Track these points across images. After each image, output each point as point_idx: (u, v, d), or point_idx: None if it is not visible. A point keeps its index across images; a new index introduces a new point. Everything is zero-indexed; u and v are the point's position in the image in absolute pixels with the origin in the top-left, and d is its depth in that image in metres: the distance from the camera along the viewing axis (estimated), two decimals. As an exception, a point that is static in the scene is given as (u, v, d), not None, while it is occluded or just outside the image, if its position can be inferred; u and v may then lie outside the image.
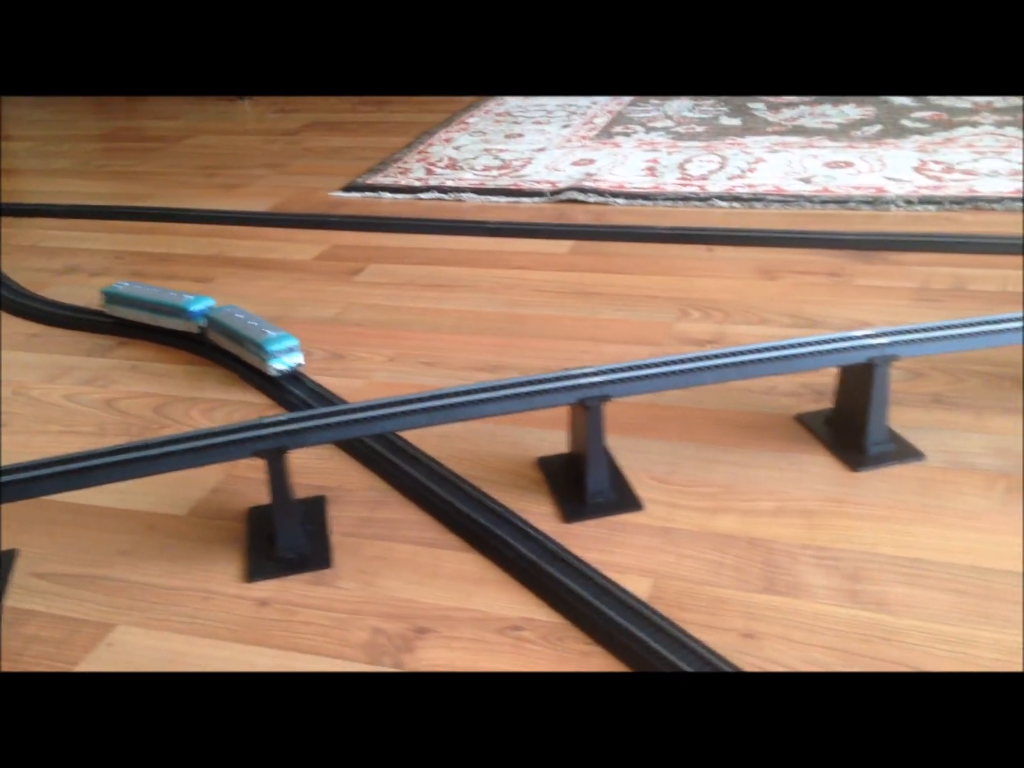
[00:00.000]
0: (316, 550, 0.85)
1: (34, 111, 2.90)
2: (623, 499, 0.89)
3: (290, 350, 1.13)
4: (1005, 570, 0.77)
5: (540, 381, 0.86)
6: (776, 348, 0.89)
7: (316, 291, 1.40)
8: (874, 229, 1.46)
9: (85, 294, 1.43)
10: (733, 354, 0.89)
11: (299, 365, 1.14)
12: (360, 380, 1.14)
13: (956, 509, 0.85)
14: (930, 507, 0.85)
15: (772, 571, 0.79)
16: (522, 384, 0.86)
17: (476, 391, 0.85)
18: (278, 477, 0.82)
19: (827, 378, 1.01)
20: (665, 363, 0.87)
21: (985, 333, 0.92)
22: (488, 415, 0.85)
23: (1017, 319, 0.93)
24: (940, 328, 0.92)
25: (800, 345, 0.90)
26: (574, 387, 0.85)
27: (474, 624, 0.76)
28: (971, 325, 0.93)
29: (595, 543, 0.84)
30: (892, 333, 0.91)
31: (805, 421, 0.99)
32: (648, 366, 0.87)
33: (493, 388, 0.86)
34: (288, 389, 1.11)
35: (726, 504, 0.88)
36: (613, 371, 0.86)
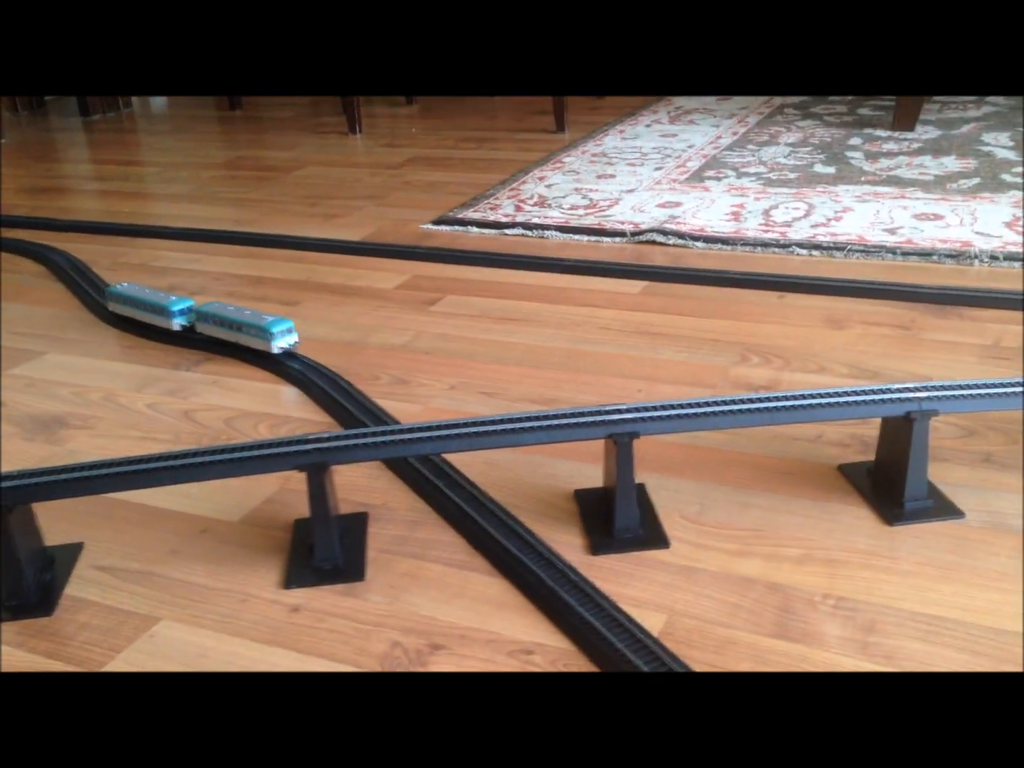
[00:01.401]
0: (352, 563, 0.89)
1: (164, 139, 3.08)
2: (651, 535, 0.90)
3: (289, 331, 1.32)
4: (1026, 634, 0.76)
5: (573, 415, 0.89)
6: (811, 396, 0.90)
7: (392, 318, 1.46)
8: (954, 283, 1.44)
9: (181, 311, 1.53)
10: (767, 399, 0.90)
11: (295, 344, 1.33)
12: (418, 406, 1.19)
13: (986, 569, 0.83)
14: (960, 566, 0.84)
15: (787, 617, 0.80)
16: (556, 417, 0.89)
17: (509, 421, 0.89)
18: (318, 491, 0.87)
19: (876, 430, 1.00)
20: (695, 404, 0.89)
21: (1033, 393, 0.90)
22: (519, 444, 0.89)
23: (1069, 381, 0.91)
24: (985, 386, 0.91)
25: (837, 395, 0.90)
26: (605, 422, 0.88)
27: (487, 645, 0.79)
28: (1019, 385, 0.92)
29: (616, 576, 0.86)
30: (933, 388, 0.90)
31: (847, 472, 0.99)
32: (679, 406, 0.89)
33: (527, 419, 0.89)
34: (349, 410, 1.16)
35: (752, 548, 0.88)
36: (645, 409, 0.89)
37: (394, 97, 3.35)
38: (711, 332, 1.34)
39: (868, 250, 1.58)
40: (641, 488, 0.97)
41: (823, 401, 0.90)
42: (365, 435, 0.89)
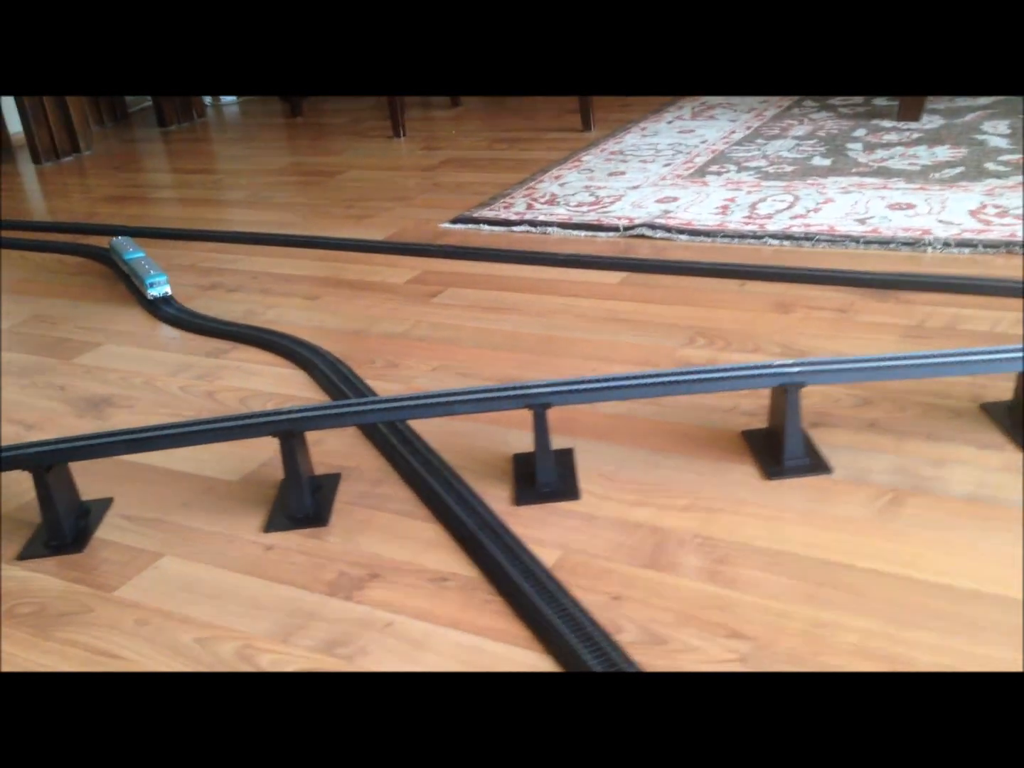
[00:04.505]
0: (320, 513, 1.09)
1: (230, 147, 3.34)
2: (566, 490, 1.08)
3: (163, 283, 1.78)
4: (848, 564, 0.91)
5: (497, 389, 1.07)
6: (700, 372, 1.06)
7: (397, 310, 1.66)
8: (906, 270, 1.56)
9: (220, 307, 1.75)
10: (666, 375, 1.07)
11: (167, 294, 1.78)
12: (401, 385, 1.38)
13: (835, 514, 0.99)
14: (814, 511, 1.00)
15: (659, 552, 0.97)
16: (483, 391, 1.07)
17: (445, 395, 1.07)
18: (289, 453, 1.07)
19: (778, 401, 1.15)
20: (602, 380, 1.06)
21: (892, 368, 1.05)
22: (451, 414, 1.08)
23: (931, 356, 1.06)
24: (856, 361, 1.06)
25: (725, 370, 1.06)
26: (522, 396, 1.06)
27: (414, 574, 0.98)
28: (889, 359, 1.06)
29: (529, 522, 1.04)
30: (806, 363, 1.06)
31: (747, 437, 1.14)
32: (588, 381, 1.06)
33: (460, 393, 1.07)
34: (342, 389, 1.37)
35: (649, 499, 1.05)
36: (556, 384, 1.06)
37: (440, 99, 3.55)
38: (670, 317, 1.50)
39: (834, 239, 1.71)
40: (568, 452, 1.15)
41: (715, 376, 1.06)
42: (328, 408, 1.08)
